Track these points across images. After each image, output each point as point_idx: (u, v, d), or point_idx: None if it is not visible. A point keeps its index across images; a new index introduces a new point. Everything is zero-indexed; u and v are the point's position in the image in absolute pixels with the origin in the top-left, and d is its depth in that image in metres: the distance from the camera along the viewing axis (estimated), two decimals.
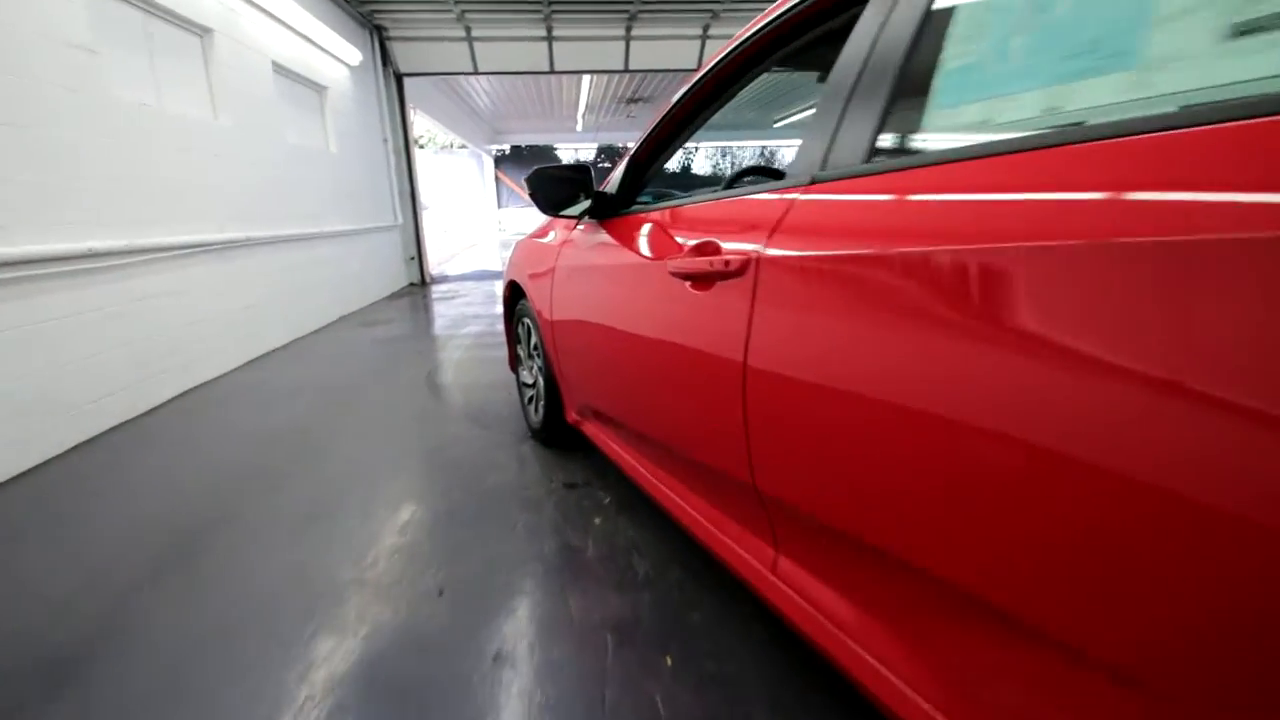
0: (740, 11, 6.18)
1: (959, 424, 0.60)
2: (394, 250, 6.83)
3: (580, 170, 1.53)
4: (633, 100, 11.39)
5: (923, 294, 0.64)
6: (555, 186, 1.54)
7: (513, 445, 2.24)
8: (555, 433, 2.11)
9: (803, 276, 0.81)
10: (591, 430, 1.78)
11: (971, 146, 0.66)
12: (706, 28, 6.61)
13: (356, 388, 3.07)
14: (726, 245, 0.98)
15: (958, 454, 0.61)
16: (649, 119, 1.88)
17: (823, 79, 0.99)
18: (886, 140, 0.77)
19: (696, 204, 1.21)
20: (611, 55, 6.87)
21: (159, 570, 1.50)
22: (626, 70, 7.14)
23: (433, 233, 8.92)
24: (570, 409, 1.93)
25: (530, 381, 2.27)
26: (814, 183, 0.85)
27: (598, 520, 1.69)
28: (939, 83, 0.73)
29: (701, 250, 1.04)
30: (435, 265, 8.73)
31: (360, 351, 3.91)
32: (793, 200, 0.87)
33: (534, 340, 2.14)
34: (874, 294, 0.70)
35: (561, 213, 1.59)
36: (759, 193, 0.99)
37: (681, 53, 6.85)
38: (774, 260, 0.85)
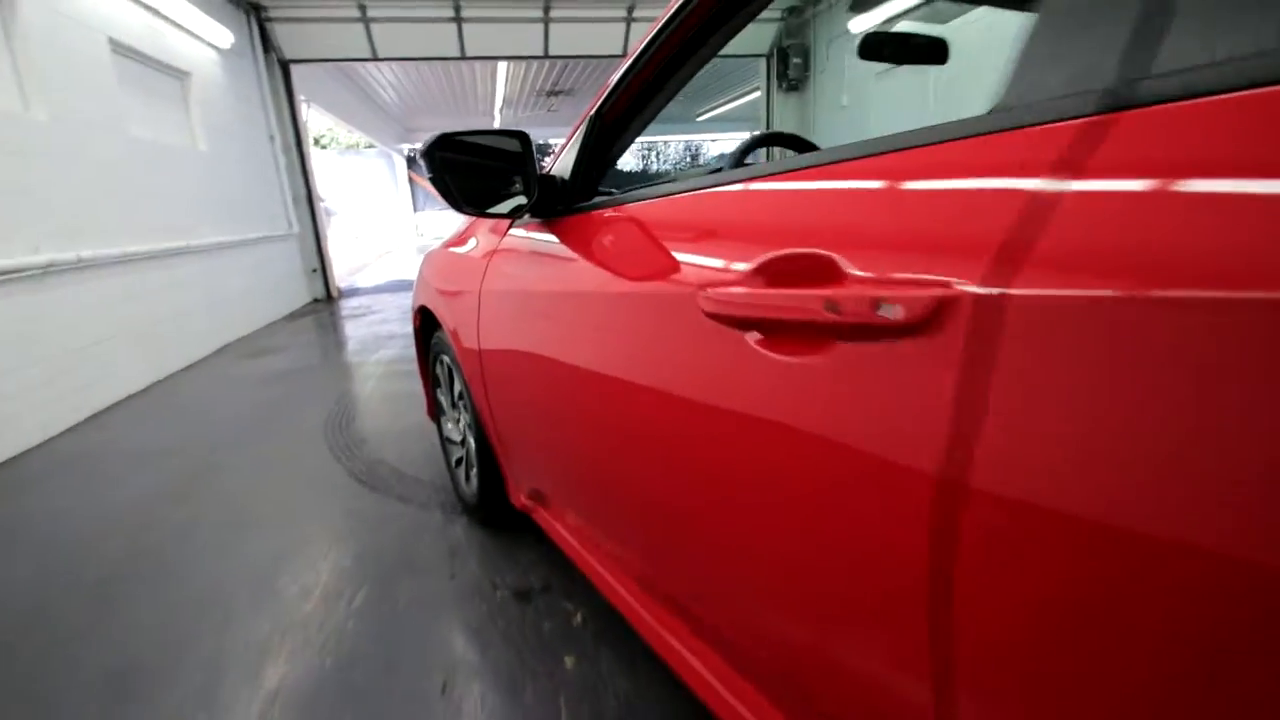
0: None
1: None
2: (290, 263, 5.94)
3: (513, 141, 0.97)
4: (553, 93, 10.73)
5: None
6: (472, 170, 0.99)
7: (439, 528, 1.66)
8: (496, 512, 1.55)
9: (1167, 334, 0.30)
10: (552, 525, 1.23)
11: None
12: (631, 9, 6.10)
13: (227, 449, 2.37)
14: (856, 269, 0.46)
15: None
16: (610, 71, 1.34)
17: None
18: None
19: (734, 188, 0.68)
20: (529, 39, 6.25)
21: None
22: (546, 56, 6.54)
23: (340, 241, 8.02)
24: (516, 490, 1.37)
25: (457, 439, 1.69)
26: (1113, 109, 0.35)
27: (569, 660, 1.15)
28: None
29: (781, 273, 0.53)
30: (344, 277, 7.84)
31: (241, 393, 3.16)
32: (1062, 168, 0.36)
33: (458, 387, 1.57)
34: None
35: (488, 210, 1.03)
36: (911, 145, 0.48)
37: (605, 37, 6.31)
38: (1049, 305, 0.35)
